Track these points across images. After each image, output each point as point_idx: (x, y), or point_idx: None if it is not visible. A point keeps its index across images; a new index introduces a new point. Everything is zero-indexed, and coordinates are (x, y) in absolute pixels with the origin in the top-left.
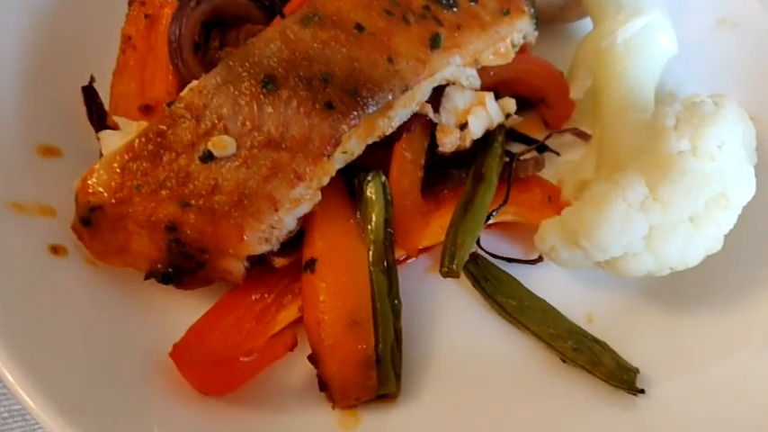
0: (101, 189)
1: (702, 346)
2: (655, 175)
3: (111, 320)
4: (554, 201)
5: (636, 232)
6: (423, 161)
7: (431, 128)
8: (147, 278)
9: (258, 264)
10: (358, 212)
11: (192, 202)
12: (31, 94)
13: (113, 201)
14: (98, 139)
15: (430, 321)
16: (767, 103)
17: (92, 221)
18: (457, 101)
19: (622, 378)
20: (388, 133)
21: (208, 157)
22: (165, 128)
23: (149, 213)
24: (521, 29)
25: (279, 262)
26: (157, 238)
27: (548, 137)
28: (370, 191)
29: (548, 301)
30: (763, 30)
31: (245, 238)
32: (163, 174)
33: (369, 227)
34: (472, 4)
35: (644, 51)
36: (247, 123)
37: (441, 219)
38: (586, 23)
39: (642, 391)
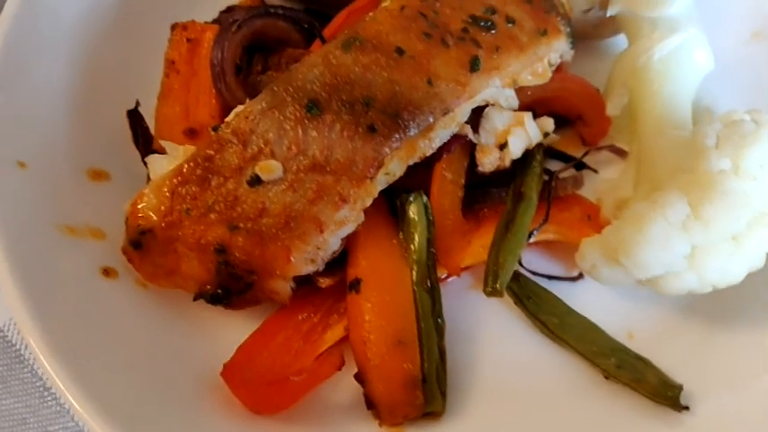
0: (151, 213)
1: (745, 362)
2: (696, 195)
3: (163, 340)
4: (593, 219)
5: (677, 251)
6: (463, 181)
7: (470, 148)
8: (196, 299)
9: (303, 284)
10: (400, 232)
11: (241, 224)
12: (80, 119)
13: (163, 224)
14: (144, 162)
15: (472, 339)
16: None
17: (142, 244)
18: (496, 121)
19: (666, 395)
20: (428, 154)
21: (255, 180)
22: (212, 152)
23: (199, 236)
24: (557, 48)
25: (324, 282)
26: (207, 260)
27: (585, 154)
28: (413, 211)
29: (588, 317)
30: None
31: (291, 259)
32: (211, 197)
33: (412, 247)
34: (510, 25)
35: (681, 68)
36: (293, 147)
37: (482, 238)
38: (620, 40)
39: (686, 408)
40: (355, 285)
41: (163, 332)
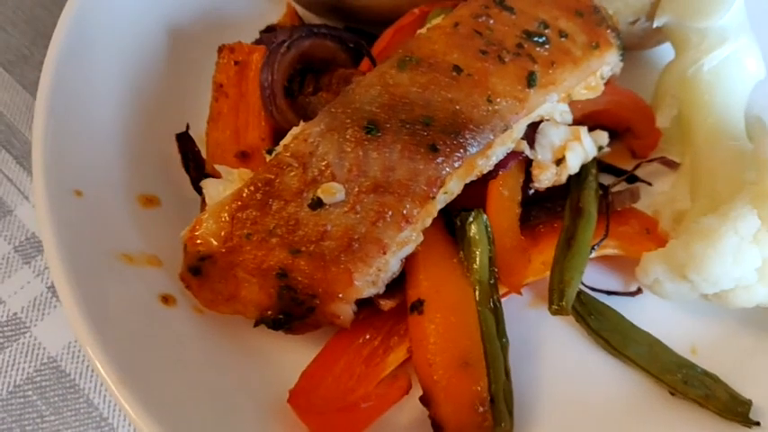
0: (210, 239)
1: None
2: (765, 207)
3: (224, 367)
4: (652, 232)
5: (749, 265)
6: (519, 197)
7: (525, 164)
8: (256, 325)
9: (364, 306)
10: (460, 251)
11: (303, 248)
12: (130, 144)
13: (224, 250)
14: (195, 187)
15: (534, 357)
16: None
17: (201, 271)
18: (553, 137)
19: (737, 410)
20: (485, 171)
21: (317, 203)
22: (272, 176)
23: (260, 261)
24: (609, 61)
25: (386, 305)
26: (268, 285)
27: (637, 167)
28: (474, 230)
29: (649, 332)
30: None
31: (355, 282)
32: (272, 222)
33: (474, 266)
34: (563, 39)
35: (732, 78)
36: (353, 169)
37: (541, 254)
38: (664, 49)
39: (758, 424)
40: (418, 307)
41: (224, 358)
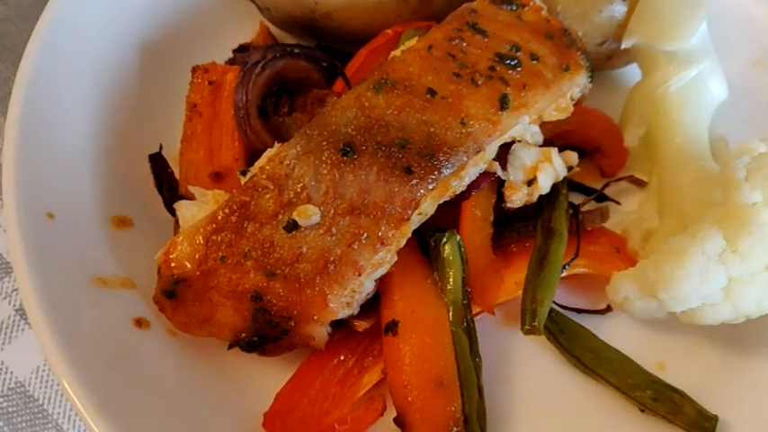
0: (185, 262)
1: None
2: (732, 228)
3: (198, 390)
4: (621, 251)
5: (715, 284)
6: (492, 218)
7: (497, 184)
8: (230, 347)
9: (339, 327)
10: (435, 272)
11: (278, 271)
12: (102, 166)
13: (198, 273)
14: (168, 208)
15: (506, 375)
16: None
17: (175, 294)
18: (524, 158)
19: (703, 426)
20: (458, 192)
21: (292, 226)
22: (248, 199)
23: (235, 284)
24: (579, 83)
25: (360, 326)
26: (242, 308)
27: (606, 186)
28: (447, 251)
29: (618, 349)
30: None
31: (329, 303)
32: (247, 245)
33: (448, 287)
34: (534, 62)
35: (697, 99)
36: (330, 191)
37: (514, 274)
38: (631, 69)
39: None
40: (392, 327)
41: (198, 382)
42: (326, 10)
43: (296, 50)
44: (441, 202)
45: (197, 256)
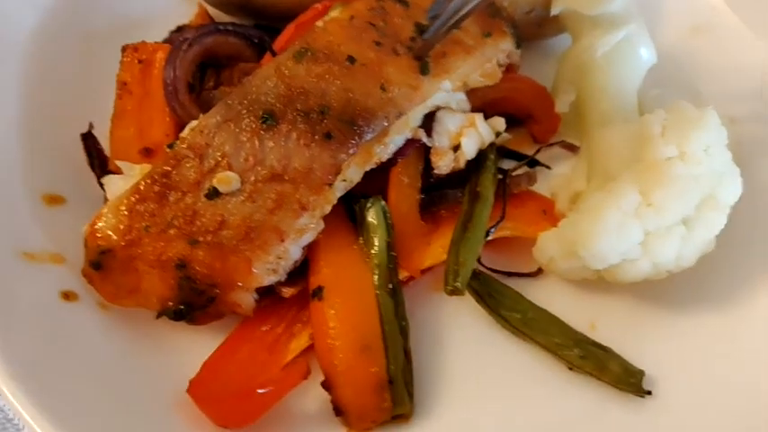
0: (110, 232)
1: (704, 345)
2: (646, 182)
3: (127, 361)
4: (549, 213)
5: (632, 239)
6: (419, 184)
7: (424, 151)
8: (158, 317)
9: (266, 295)
10: (360, 238)
11: (201, 238)
12: (34, 144)
13: (123, 243)
14: (100, 184)
15: (437, 339)
16: (745, 106)
17: (102, 265)
18: (449, 124)
19: (629, 381)
20: (384, 159)
21: (213, 193)
22: (169, 169)
23: (159, 253)
24: (504, 49)
25: (287, 292)
26: (168, 276)
27: (537, 152)
28: (372, 216)
29: (550, 311)
30: (735, 34)
31: (253, 270)
32: (170, 213)
33: (372, 251)
34: (455, 31)
35: (624, 63)
36: (250, 159)
37: (441, 239)
38: (565, 38)
39: (649, 393)
40: (318, 293)
41: (128, 353)
42: None
43: (228, 27)
44: (366, 169)
45: (121, 226)
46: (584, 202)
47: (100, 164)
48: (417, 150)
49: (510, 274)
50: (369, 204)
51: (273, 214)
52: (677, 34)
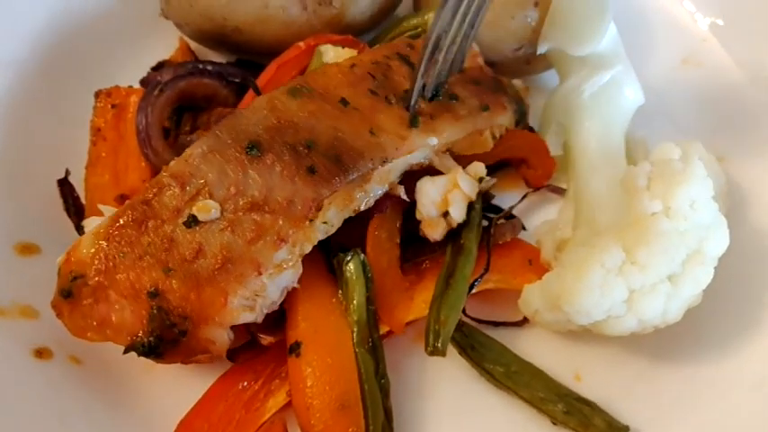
0: (84, 258)
1: (689, 396)
2: (630, 239)
3: (103, 420)
4: (534, 263)
5: (616, 296)
6: (398, 239)
7: (402, 206)
8: (126, 352)
9: (245, 349)
10: (339, 292)
11: (176, 267)
12: (6, 191)
13: (95, 268)
14: (77, 231)
15: (419, 393)
16: (734, 142)
17: (72, 293)
18: (432, 193)
19: None
20: (362, 208)
21: (192, 221)
22: (150, 196)
23: (133, 281)
24: (501, 123)
25: (266, 339)
26: (139, 306)
27: (522, 198)
28: (350, 270)
29: (535, 361)
30: (726, 68)
31: (228, 303)
32: (147, 240)
33: (351, 306)
34: (452, 101)
35: (611, 105)
36: (232, 188)
37: (424, 292)
38: (554, 73)
39: None
40: (295, 349)
41: (101, 410)
42: (235, 25)
43: (206, 68)
44: (346, 215)
45: (97, 252)
46: (569, 255)
47: (76, 211)
48: (395, 205)
49: (495, 324)
50: (348, 258)
51: (252, 244)
52: (668, 65)
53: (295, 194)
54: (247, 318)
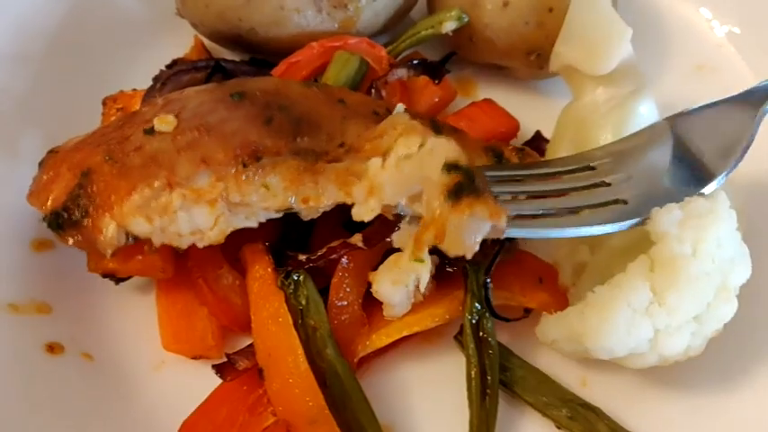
0: (70, 143)
1: (695, 405)
2: (659, 280)
3: (108, 416)
4: (546, 282)
5: (641, 336)
6: (363, 288)
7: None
8: (43, 220)
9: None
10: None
11: (116, 158)
12: (23, 189)
13: (70, 146)
14: None
15: (419, 393)
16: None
17: (42, 163)
18: (395, 297)
19: None
20: (311, 215)
21: (150, 131)
22: (138, 109)
23: (79, 160)
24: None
25: (242, 365)
26: (71, 181)
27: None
28: (304, 297)
29: (541, 364)
30: (740, 73)
31: (130, 199)
32: (112, 136)
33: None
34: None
35: (626, 124)
36: (198, 113)
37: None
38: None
39: None
40: (261, 373)
41: (109, 407)
42: (251, 26)
43: (209, 64)
44: (291, 200)
45: (78, 141)
46: (590, 289)
47: None
48: (358, 267)
49: (508, 321)
50: (298, 277)
51: (179, 155)
52: (682, 71)
53: (241, 131)
54: (140, 226)
